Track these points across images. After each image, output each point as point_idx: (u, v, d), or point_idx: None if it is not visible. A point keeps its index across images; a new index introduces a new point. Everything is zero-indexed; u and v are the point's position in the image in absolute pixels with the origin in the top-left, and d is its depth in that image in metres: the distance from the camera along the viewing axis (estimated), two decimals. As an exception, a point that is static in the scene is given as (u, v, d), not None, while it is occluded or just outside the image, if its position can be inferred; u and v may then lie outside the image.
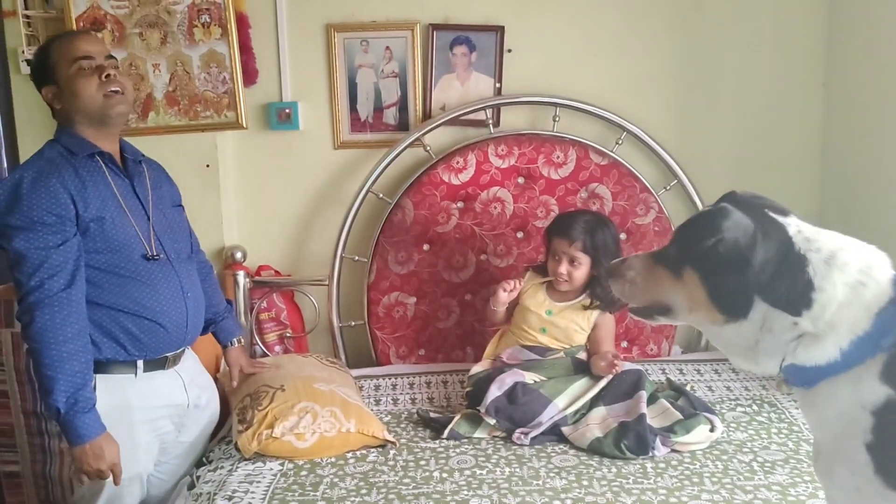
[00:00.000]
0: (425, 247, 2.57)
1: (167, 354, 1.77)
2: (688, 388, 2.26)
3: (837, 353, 0.90)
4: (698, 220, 1.03)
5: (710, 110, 2.61)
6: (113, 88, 1.68)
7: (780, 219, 0.99)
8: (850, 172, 2.49)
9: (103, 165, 1.70)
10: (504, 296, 2.20)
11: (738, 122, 2.61)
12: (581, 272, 2.16)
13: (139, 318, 1.70)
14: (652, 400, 2.07)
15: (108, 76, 1.67)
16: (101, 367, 1.67)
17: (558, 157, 2.54)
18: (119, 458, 1.64)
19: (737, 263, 0.93)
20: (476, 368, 2.23)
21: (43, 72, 1.69)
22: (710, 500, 1.68)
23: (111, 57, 1.73)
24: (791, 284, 0.92)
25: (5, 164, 2.61)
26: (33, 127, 2.51)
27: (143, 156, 1.86)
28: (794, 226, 0.98)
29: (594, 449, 1.94)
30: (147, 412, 1.75)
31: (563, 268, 2.15)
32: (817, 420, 0.98)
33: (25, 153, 2.53)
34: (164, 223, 1.80)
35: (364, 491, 1.77)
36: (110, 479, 1.64)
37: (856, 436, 0.89)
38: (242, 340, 2.14)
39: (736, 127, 2.62)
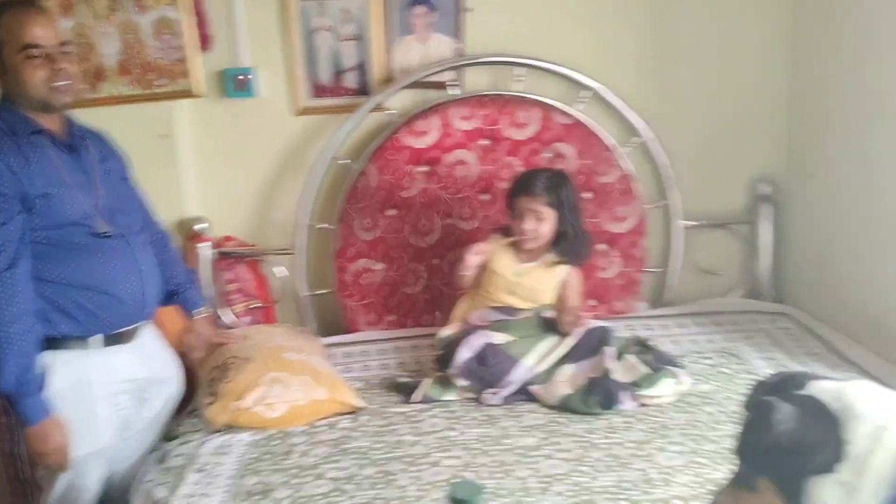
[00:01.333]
0: (391, 212, 2.54)
1: (124, 329, 1.74)
2: (654, 342, 2.29)
3: (879, 500, 0.93)
4: (751, 427, 1.02)
5: (673, 67, 2.60)
6: (61, 82, 1.62)
7: (812, 389, 1.00)
8: (817, 127, 2.51)
9: (46, 142, 1.64)
10: (473, 260, 2.20)
11: (703, 79, 2.61)
12: (546, 227, 2.16)
13: (93, 291, 1.66)
14: (619, 356, 2.10)
15: (58, 69, 1.61)
16: (56, 343, 1.64)
17: (522, 118, 2.53)
18: (66, 442, 1.62)
19: (793, 451, 0.95)
20: (445, 331, 2.23)
21: None
22: (678, 452, 1.72)
23: (64, 43, 1.66)
24: (830, 448, 0.94)
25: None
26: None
27: (89, 129, 1.80)
28: (818, 390, 1.00)
29: (563, 406, 1.96)
30: (106, 387, 1.72)
31: (530, 224, 2.15)
32: None
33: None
34: (114, 198, 1.75)
35: (336, 457, 1.77)
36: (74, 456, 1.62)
37: None
38: (207, 310, 2.11)
39: (700, 83, 2.61)
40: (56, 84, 1.61)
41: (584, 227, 2.25)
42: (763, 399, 0.99)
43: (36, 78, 1.60)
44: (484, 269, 2.28)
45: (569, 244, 2.16)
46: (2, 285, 1.52)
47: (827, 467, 0.93)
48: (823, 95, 2.48)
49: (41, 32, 1.61)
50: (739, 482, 1.03)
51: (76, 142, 1.71)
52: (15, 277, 1.54)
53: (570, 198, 2.18)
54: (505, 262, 2.24)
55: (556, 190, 2.15)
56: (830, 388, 0.99)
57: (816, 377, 1.03)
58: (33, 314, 1.57)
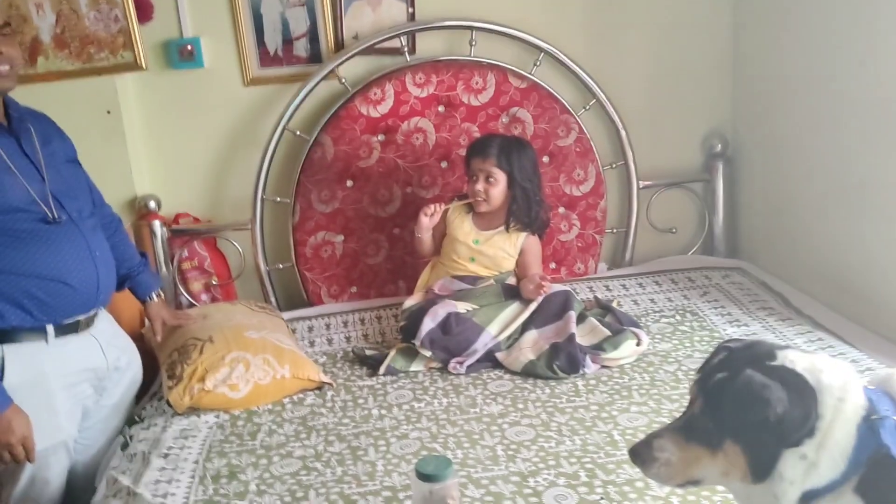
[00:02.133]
0: (349, 183, 2.51)
1: (79, 317, 1.68)
2: (614, 303, 2.33)
3: (836, 473, 0.95)
4: (731, 392, 1.00)
5: (622, 27, 2.59)
6: (5, 67, 1.53)
7: (786, 360, 1.00)
8: (761, 81, 2.54)
9: None
10: (426, 221, 2.20)
11: (651, 38, 2.61)
12: (497, 190, 2.16)
13: (43, 280, 1.60)
14: (581, 319, 2.13)
15: (9, 56, 1.52)
16: (7, 335, 1.58)
17: (477, 83, 2.49)
18: (30, 431, 1.57)
19: (776, 429, 0.96)
20: (409, 302, 2.24)
21: None
22: (639, 412, 1.76)
23: (4, 24, 1.55)
24: (808, 422, 0.96)
25: None
26: None
27: (30, 111, 1.71)
28: (793, 362, 1.00)
29: (528, 372, 1.99)
30: (64, 378, 1.67)
31: (480, 185, 2.16)
32: None
33: None
34: (61, 182, 1.68)
35: (303, 435, 1.77)
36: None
37: None
38: (162, 294, 2.06)
39: (649, 42, 2.61)
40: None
41: (540, 195, 2.25)
42: (746, 373, 0.99)
43: None
44: (444, 236, 2.27)
45: (520, 209, 2.18)
46: None
47: (797, 441, 0.95)
48: (766, 48, 2.49)
49: None
50: (700, 438, 1.03)
51: (16, 125, 1.63)
52: None
53: (523, 163, 2.18)
54: (465, 230, 2.24)
55: (508, 153, 2.16)
56: (803, 360, 1.00)
57: (782, 347, 1.04)
58: None
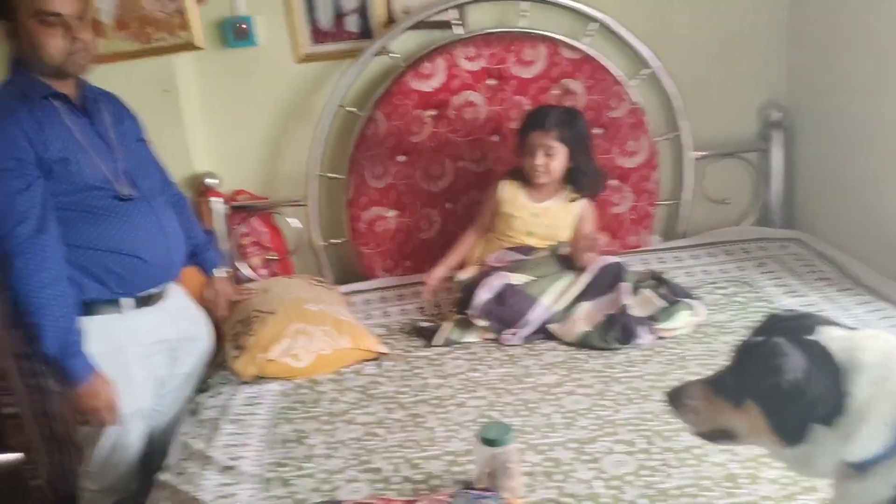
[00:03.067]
0: (401, 158, 2.54)
1: (152, 290, 1.77)
2: (668, 275, 2.32)
3: (879, 447, 0.96)
4: (756, 356, 1.04)
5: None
6: (79, 50, 1.60)
7: (822, 336, 1.02)
8: (820, 49, 2.46)
9: (59, 106, 1.63)
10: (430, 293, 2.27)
11: (705, 6, 2.54)
12: (557, 163, 2.17)
13: (119, 254, 1.68)
14: (634, 290, 2.13)
15: (76, 39, 1.59)
16: (87, 308, 1.67)
17: (528, 55, 2.48)
18: (115, 397, 1.66)
19: (796, 399, 0.97)
20: (463, 275, 2.26)
21: (2, 3, 1.55)
22: (696, 381, 1.76)
23: (83, 12, 1.62)
24: (833, 400, 0.97)
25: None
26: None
27: (102, 91, 1.78)
28: (827, 338, 1.02)
29: (582, 343, 2.00)
30: (140, 349, 1.76)
31: (540, 159, 2.16)
32: (846, 494, 1.04)
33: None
34: (132, 160, 1.75)
35: (365, 402, 1.83)
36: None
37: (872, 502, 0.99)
38: (226, 269, 2.13)
39: (703, 11, 2.55)
40: (73, 52, 1.60)
41: (596, 162, 2.26)
42: (774, 340, 1.02)
43: (51, 46, 1.57)
44: (497, 213, 2.29)
45: (582, 179, 2.20)
46: (31, 251, 1.53)
47: (827, 419, 0.97)
48: (823, 15, 2.42)
49: (62, 6, 1.57)
50: (726, 393, 1.08)
51: (90, 105, 1.70)
52: (43, 242, 1.55)
53: (581, 133, 2.19)
54: (521, 203, 2.25)
55: (567, 125, 2.16)
56: (839, 336, 1.01)
57: (828, 322, 1.05)
58: (65, 278, 1.59)
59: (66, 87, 1.66)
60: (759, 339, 1.06)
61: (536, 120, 2.19)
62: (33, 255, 1.54)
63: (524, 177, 2.24)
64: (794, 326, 1.05)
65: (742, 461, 1.45)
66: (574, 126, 2.18)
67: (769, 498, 1.34)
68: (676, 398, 1.14)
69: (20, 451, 2.45)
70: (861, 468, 0.98)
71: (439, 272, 2.27)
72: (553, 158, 2.17)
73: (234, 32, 2.47)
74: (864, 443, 0.96)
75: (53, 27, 1.57)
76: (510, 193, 2.27)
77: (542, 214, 2.23)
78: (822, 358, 0.99)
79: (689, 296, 2.13)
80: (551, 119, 2.16)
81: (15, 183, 1.53)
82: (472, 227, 2.38)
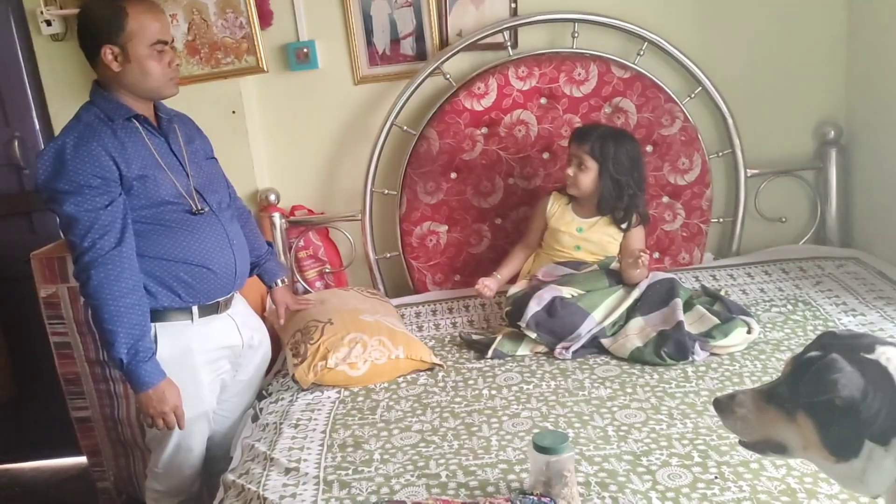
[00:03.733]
0: (453, 175, 2.60)
1: (219, 299, 1.86)
2: (722, 292, 2.31)
3: None
4: (811, 370, 1.04)
5: (730, 13, 2.55)
6: (176, 75, 1.76)
7: (880, 355, 1.02)
8: (877, 67, 2.44)
9: (140, 127, 1.74)
10: (489, 292, 2.25)
11: (759, 25, 2.56)
12: (586, 177, 2.20)
13: (190, 265, 1.78)
14: (688, 307, 2.13)
15: (174, 64, 1.75)
16: (159, 315, 1.76)
17: (580, 75, 2.53)
18: (181, 401, 1.75)
19: (850, 415, 0.98)
20: (514, 289, 2.30)
21: (111, 30, 1.67)
22: (750, 397, 1.76)
23: (173, 39, 1.79)
24: (891, 420, 0.98)
25: (37, 127, 2.66)
26: (59, 87, 2.55)
27: (175, 112, 1.90)
28: (886, 357, 1.02)
29: (635, 358, 2.01)
30: (207, 354, 1.85)
31: (571, 169, 2.20)
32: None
33: (56, 115, 2.58)
34: (203, 177, 1.85)
35: (419, 411, 1.87)
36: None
37: None
38: (286, 280, 2.22)
39: (757, 29, 2.56)
40: (172, 77, 1.74)
41: (637, 189, 2.23)
42: (831, 356, 1.02)
43: (158, 71, 1.71)
44: (546, 228, 2.32)
45: (608, 199, 2.21)
46: (112, 262, 1.64)
47: (883, 439, 0.97)
48: (882, 34, 2.40)
49: (165, 29, 1.73)
50: (778, 403, 1.07)
51: (165, 125, 1.82)
52: (122, 254, 1.65)
53: (619, 155, 2.19)
54: (567, 220, 2.28)
55: (603, 143, 2.18)
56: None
57: (887, 343, 1.05)
58: (141, 288, 1.69)
59: (146, 109, 1.78)
60: (816, 353, 1.06)
61: (579, 133, 2.24)
62: (113, 266, 1.64)
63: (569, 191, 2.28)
64: (852, 344, 1.06)
65: (799, 476, 1.44)
66: (611, 145, 2.18)
67: (828, 513, 1.33)
68: (725, 406, 1.14)
69: (89, 454, 2.56)
70: None
71: (491, 282, 2.28)
72: (583, 172, 2.20)
73: (297, 56, 2.58)
74: None
75: (161, 54, 1.71)
76: (558, 208, 2.30)
77: (589, 230, 2.26)
78: (880, 377, 0.99)
79: (743, 312, 2.12)
80: (592, 135, 2.20)
81: (100, 199, 1.64)
82: (522, 242, 2.42)
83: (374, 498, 1.49)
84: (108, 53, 1.68)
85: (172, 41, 1.78)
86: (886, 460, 0.98)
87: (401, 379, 2.06)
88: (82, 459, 2.68)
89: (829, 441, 1.01)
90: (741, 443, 1.17)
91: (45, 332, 2.43)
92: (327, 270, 2.73)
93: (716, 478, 1.46)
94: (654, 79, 2.53)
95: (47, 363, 2.49)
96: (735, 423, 1.13)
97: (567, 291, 2.18)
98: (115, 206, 1.65)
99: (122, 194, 1.67)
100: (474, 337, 2.25)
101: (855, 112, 2.59)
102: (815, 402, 1.01)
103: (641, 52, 2.53)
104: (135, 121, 1.74)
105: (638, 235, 2.29)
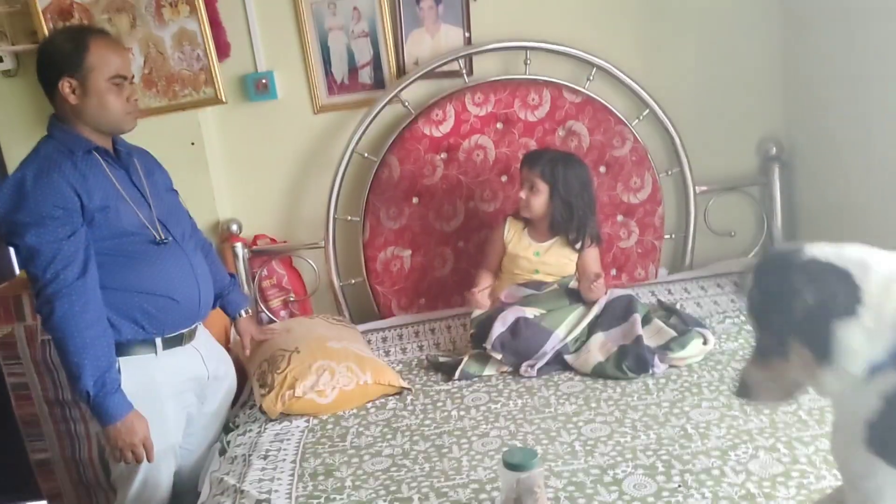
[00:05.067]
0: (414, 200, 2.64)
1: (183, 331, 1.85)
2: (677, 306, 2.39)
3: (885, 351, 1.00)
4: (769, 302, 1.08)
5: (673, 37, 2.67)
6: (134, 110, 1.77)
7: (813, 254, 1.07)
8: (813, 84, 2.58)
9: (100, 159, 1.74)
10: (482, 297, 2.30)
11: (700, 48, 2.68)
12: (538, 200, 2.27)
13: (154, 296, 1.77)
14: (646, 321, 2.20)
15: (133, 99, 1.76)
16: (123, 348, 1.75)
17: (533, 100, 2.61)
18: (149, 433, 1.73)
19: (820, 309, 1.01)
20: (478, 312, 2.34)
21: (71, 63, 1.68)
22: (711, 407, 1.83)
23: (133, 75, 1.80)
24: (847, 292, 1.01)
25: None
26: (11, 123, 2.51)
27: (134, 146, 1.90)
28: (826, 251, 1.07)
29: (597, 373, 2.07)
30: (172, 387, 1.84)
31: (523, 193, 2.27)
32: (840, 401, 1.10)
33: (7, 150, 2.55)
34: (164, 208, 1.85)
35: (389, 436, 1.88)
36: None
37: (861, 411, 1.02)
38: (250, 311, 2.22)
39: (698, 53, 2.68)
40: (130, 112, 1.74)
41: (587, 210, 2.30)
42: (772, 281, 1.06)
43: (118, 106, 1.72)
44: (504, 254, 2.37)
45: (559, 221, 2.28)
46: (76, 293, 1.63)
47: (849, 309, 1.00)
48: (816, 49, 2.53)
49: (125, 64, 1.74)
50: (768, 353, 1.10)
51: (125, 158, 1.82)
52: (86, 285, 1.64)
53: (568, 178, 2.26)
54: (524, 245, 2.34)
55: (553, 166, 2.26)
56: (830, 250, 1.06)
57: (810, 245, 1.09)
58: (105, 319, 1.68)
59: (105, 142, 1.78)
60: (756, 291, 1.09)
61: (530, 157, 2.31)
62: (77, 298, 1.63)
63: (524, 216, 2.34)
64: (784, 258, 1.09)
65: (758, 481, 1.50)
66: (561, 169, 2.26)
67: (786, 514, 1.39)
68: (745, 391, 1.16)
69: (50, 497, 2.49)
70: (872, 371, 1.00)
71: (481, 292, 2.32)
72: (535, 195, 2.26)
73: (256, 87, 2.60)
74: (883, 340, 0.99)
75: (120, 88, 1.72)
76: (514, 234, 2.36)
77: (546, 254, 2.32)
78: (823, 267, 1.03)
79: (699, 325, 2.20)
80: (542, 159, 2.27)
81: (61, 230, 1.63)
82: (483, 266, 2.46)
83: (348, 524, 1.50)
84: (66, 86, 1.69)
85: (133, 78, 1.79)
86: (855, 337, 1.00)
87: (370, 404, 2.07)
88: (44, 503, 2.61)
89: (817, 349, 1.03)
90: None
91: (2, 373, 2.37)
92: (291, 299, 2.73)
93: (679, 486, 1.51)
94: (604, 102, 2.62)
95: (4, 405, 2.43)
96: (765, 396, 1.14)
97: (530, 312, 2.23)
98: (77, 237, 1.64)
99: (83, 225, 1.66)
100: (441, 359, 2.28)
101: (794, 129, 2.72)
102: (791, 320, 1.03)
103: (591, 78, 2.62)
104: (95, 153, 1.74)
105: (592, 255, 2.35)
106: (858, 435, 1.02)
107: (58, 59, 1.69)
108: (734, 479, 1.51)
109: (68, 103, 1.70)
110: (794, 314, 1.03)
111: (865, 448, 1.01)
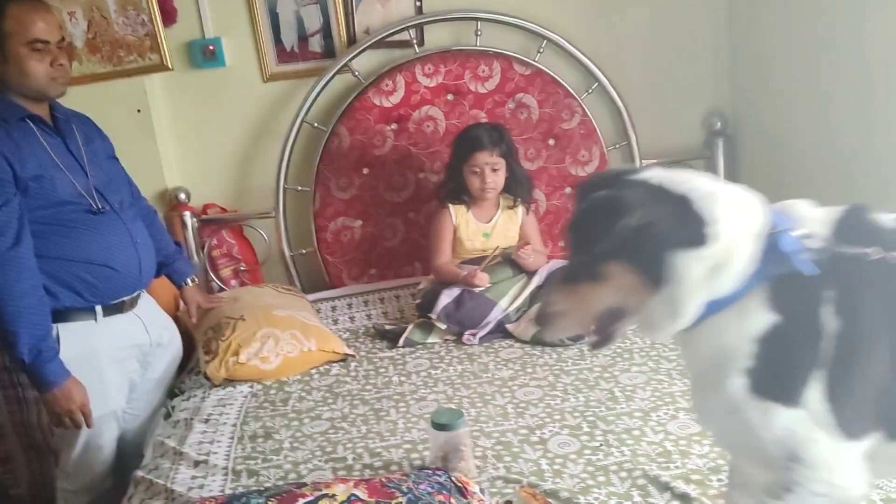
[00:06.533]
0: (365, 171, 2.65)
1: (124, 298, 1.86)
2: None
3: (738, 283, 0.95)
4: (588, 221, 1.01)
5: (620, 11, 2.70)
6: (60, 75, 1.73)
7: (643, 175, 1.03)
8: (757, 57, 2.64)
9: (34, 127, 1.73)
10: (483, 275, 2.26)
11: (648, 20, 2.71)
12: (501, 176, 2.33)
13: (91, 264, 1.78)
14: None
15: (59, 65, 1.72)
16: (62, 315, 1.76)
17: (484, 71, 2.62)
18: (87, 399, 1.75)
19: (648, 230, 0.95)
20: (424, 283, 2.38)
21: None
22: (639, 371, 1.90)
23: (62, 39, 1.75)
24: (686, 224, 0.95)
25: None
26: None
27: (73, 113, 1.89)
28: (658, 175, 1.02)
29: (536, 341, 2.13)
30: (113, 353, 1.85)
31: (490, 177, 2.30)
32: (696, 357, 1.03)
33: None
34: (103, 177, 1.85)
35: (330, 400, 1.93)
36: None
37: (734, 363, 0.96)
38: (196, 279, 2.23)
39: (645, 26, 2.72)
40: (55, 77, 1.72)
41: (524, 169, 2.44)
42: (597, 195, 0.99)
43: (39, 71, 1.70)
44: (455, 240, 2.39)
45: (517, 186, 2.37)
46: (9, 263, 1.63)
47: (693, 241, 0.94)
48: (761, 25, 2.58)
49: (47, 28, 1.70)
50: (578, 276, 1.02)
51: (62, 126, 1.80)
52: (20, 255, 1.64)
53: (511, 144, 2.36)
54: (472, 230, 2.37)
55: (502, 139, 2.32)
56: (667, 175, 1.00)
57: (640, 169, 1.06)
58: (41, 288, 1.68)
59: (41, 109, 1.77)
60: (583, 206, 1.03)
61: (478, 142, 2.29)
62: (11, 267, 1.63)
63: (464, 199, 2.36)
64: (613, 180, 1.02)
65: (675, 440, 1.57)
66: (506, 136, 2.34)
67: (698, 471, 1.46)
68: (542, 319, 1.07)
69: (1, 461, 2.50)
70: (709, 309, 0.96)
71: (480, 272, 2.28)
72: (498, 174, 2.32)
73: (203, 54, 2.58)
74: (725, 279, 0.94)
75: (41, 53, 1.69)
76: (461, 219, 2.38)
77: (494, 233, 2.37)
78: (655, 191, 0.97)
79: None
80: (492, 138, 2.30)
81: None
82: (439, 260, 2.37)
83: (281, 483, 1.55)
84: None
85: (62, 41, 1.75)
86: (696, 273, 0.94)
87: (314, 371, 2.11)
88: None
89: (643, 269, 0.96)
90: (590, 345, 1.10)
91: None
92: (242, 268, 2.74)
93: (601, 445, 1.58)
94: (553, 75, 2.65)
95: (-51, 372, 2.42)
96: (562, 323, 1.04)
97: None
98: (10, 207, 1.64)
99: (17, 195, 1.66)
100: (387, 327, 2.32)
101: (739, 103, 2.78)
102: (613, 243, 0.96)
103: (541, 50, 2.65)
104: (29, 121, 1.72)
105: (532, 223, 2.43)
106: (740, 388, 0.97)
107: None
108: (653, 438, 1.58)
109: None
110: (614, 235, 0.95)
111: (755, 397, 0.96)
